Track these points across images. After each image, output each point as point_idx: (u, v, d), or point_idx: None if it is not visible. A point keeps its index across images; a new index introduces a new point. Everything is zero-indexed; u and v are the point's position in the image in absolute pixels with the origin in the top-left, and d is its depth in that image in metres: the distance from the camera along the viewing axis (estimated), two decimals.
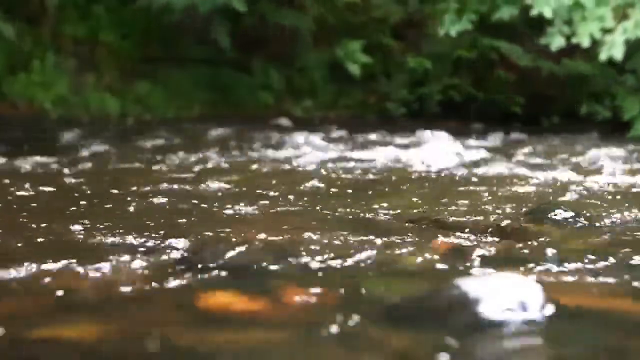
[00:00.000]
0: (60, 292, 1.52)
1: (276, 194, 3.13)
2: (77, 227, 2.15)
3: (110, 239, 1.98)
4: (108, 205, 2.65)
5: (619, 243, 2.12)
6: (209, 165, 4.44)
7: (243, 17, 9.44)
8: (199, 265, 1.71)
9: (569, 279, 1.69)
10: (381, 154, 5.21)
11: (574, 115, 9.90)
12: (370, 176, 4.02)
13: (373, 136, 6.97)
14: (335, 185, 3.55)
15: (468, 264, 1.81)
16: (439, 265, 1.81)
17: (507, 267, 1.77)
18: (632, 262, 1.82)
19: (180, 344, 1.24)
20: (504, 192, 3.30)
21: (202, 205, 2.72)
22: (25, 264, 1.69)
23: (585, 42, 7.64)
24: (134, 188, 3.11)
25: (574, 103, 10.15)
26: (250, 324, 1.34)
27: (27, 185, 3.16)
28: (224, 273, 1.66)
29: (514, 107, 10.45)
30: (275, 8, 10.13)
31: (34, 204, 2.71)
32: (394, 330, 1.31)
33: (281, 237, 1.99)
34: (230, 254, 1.76)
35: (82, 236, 2.04)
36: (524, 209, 2.67)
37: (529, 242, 2.08)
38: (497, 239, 2.13)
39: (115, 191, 3.06)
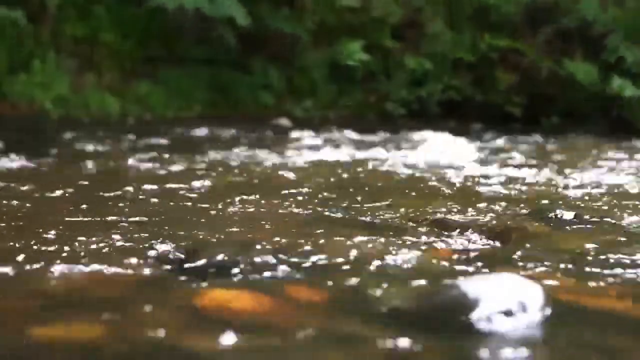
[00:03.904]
0: (59, 292, 1.52)
1: (276, 194, 3.13)
2: (75, 227, 2.15)
3: (109, 239, 1.98)
4: (107, 206, 2.65)
5: (619, 243, 2.12)
6: (209, 165, 4.44)
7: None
8: (199, 265, 1.71)
9: (569, 279, 1.69)
10: (381, 154, 5.21)
11: (574, 115, 9.90)
12: (370, 176, 4.02)
13: (373, 136, 6.97)
14: (336, 185, 3.54)
15: (468, 264, 1.81)
16: (439, 266, 1.81)
17: (507, 267, 1.77)
18: (633, 262, 1.82)
19: (180, 344, 1.24)
20: (504, 192, 3.30)
21: (202, 205, 2.72)
22: (25, 263, 1.69)
23: None
24: (133, 188, 3.11)
25: (574, 103, 10.15)
26: (251, 324, 1.34)
27: (25, 185, 3.16)
28: (223, 273, 1.66)
29: (513, 107, 10.45)
30: (275, 12, 10.15)
31: (33, 204, 2.71)
32: (393, 330, 1.31)
33: (281, 237, 1.99)
34: (230, 254, 1.76)
35: (80, 236, 2.04)
36: (524, 209, 2.67)
37: (529, 242, 2.08)
38: (496, 239, 2.13)
39: (114, 191, 3.05)
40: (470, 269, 1.76)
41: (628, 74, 9.41)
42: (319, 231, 2.11)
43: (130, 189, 3.11)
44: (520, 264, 1.81)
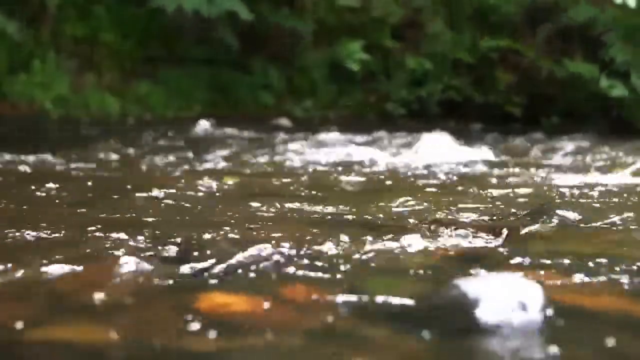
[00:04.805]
0: (58, 293, 1.52)
1: (276, 194, 3.13)
2: (76, 228, 2.15)
3: (109, 239, 1.98)
4: (106, 206, 2.65)
5: (619, 243, 2.12)
6: (209, 165, 4.44)
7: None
8: (199, 266, 1.71)
9: (569, 279, 1.69)
10: (381, 154, 5.21)
11: (574, 115, 9.90)
12: (370, 176, 4.02)
13: (373, 136, 6.97)
14: (335, 185, 3.55)
15: (467, 264, 1.81)
16: (439, 266, 1.80)
17: (507, 267, 1.77)
18: (632, 262, 1.82)
19: (180, 345, 1.24)
20: (504, 192, 3.30)
21: (202, 205, 2.72)
22: (23, 264, 1.69)
23: None
24: (133, 188, 3.11)
25: (574, 103, 10.15)
26: (250, 325, 1.34)
27: (25, 185, 3.16)
28: (223, 273, 1.66)
29: (513, 107, 10.46)
30: (275, 11, 10.17)
31: (32, 204, 2.71)
32: (393, 330, 1.31)
33: (281, 238, 1.99)
34: (230, 254, 1.76)
35: (80, 236, 2.04)
36: (523, 209, 2.67)
37: (529, 242, 2.08)
38: (497, 239, 2.13)
39: (113, 191, 3.05)
40: (470, 269, 1.76)
41: (618, 73, 9.42)
42: (318, 231, 2.11)
43: (129, 189, 3.11)
44: (520, 264, 1.81)
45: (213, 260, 1.73)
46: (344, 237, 2.01)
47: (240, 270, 1.68)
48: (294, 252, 1.83)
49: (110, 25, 9.85)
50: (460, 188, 3.50)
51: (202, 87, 10.10)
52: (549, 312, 1.34)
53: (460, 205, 2.76)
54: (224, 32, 9.67)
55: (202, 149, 5.36)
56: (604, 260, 1.83)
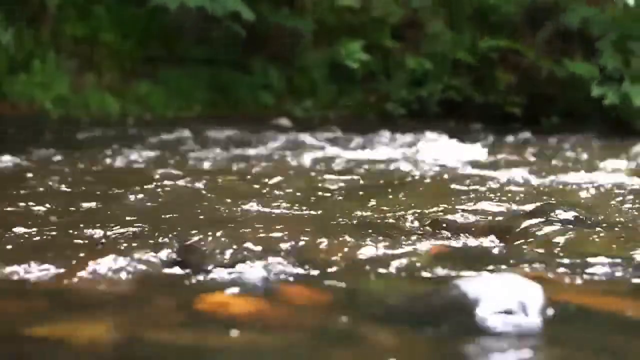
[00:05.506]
0: (58, 292, 1.52)
1: (276, 194, 3.13)
2: (75, 227, 2.15)
3: (109, 239, 1.98)
4: (106, 205, 2.65)
5: (619, 243, 2.12)
6: (209, 165, 4.44)
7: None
8: (199, 266, 1.71)
9: (569, 279, 1.69)
10: (381, 155, 5.21)
11: (574, 115, 9.90)
12: (370, 176, 4.02)
13: (373, 136, 6.97)
14: (335, 185, 3.55)
15: (468, 264, 1.81)
16: (439, 266, 1.81)
17: (507, 267, 1.77)
18: (633, 262, 1.82)
19: (180, 345, 1.24)
20: (504, 192, 3.30)
21: (202, 205, 2.72)
22: (24, 263, 1.69)
23: None
24: (133, 188, 3.11)
25: (573, 103, 10.15)
26: (250, 325, 1.34)
27: (24, 185, 3.16)
28: (223, 273, 1.66)
29: (513, 107, 10.45)
30: (275, 12, 10.17)
31: (32, 204, 2.71)
32: (393, 330, 1.31)
33: (281, 238, 1.99)
34: (230, 254, 1.76)
35: (80, 236, 2.04)
36: (524, 209, 2.67)
37: (529, 242, 2.08)
38: (497, 239, 2.13)
39: (113, 191, 3.05)
40: (471, 269, 1.76)
41: (613, 78, 9.40)
42: (318, 231, 2.11)
43: (129, 189, 3.11)
44: (520, 264, 1.81)
45: (214, 260, 1.73)
46: (344, 237, 2.01)
47: (240, 270, 1.68)
48: (293, 252, 1.83)
49: (110, 25, 9.85)
50: (460, 188, 3.50)
51: (202, 87, 10.10)
52: (549, 312, 1.34)
53: (460, 205, 2.76)
54: (231, 25, 9.64)
55: (201, 149, 5.36)
56: (604, 260, 1.83)
